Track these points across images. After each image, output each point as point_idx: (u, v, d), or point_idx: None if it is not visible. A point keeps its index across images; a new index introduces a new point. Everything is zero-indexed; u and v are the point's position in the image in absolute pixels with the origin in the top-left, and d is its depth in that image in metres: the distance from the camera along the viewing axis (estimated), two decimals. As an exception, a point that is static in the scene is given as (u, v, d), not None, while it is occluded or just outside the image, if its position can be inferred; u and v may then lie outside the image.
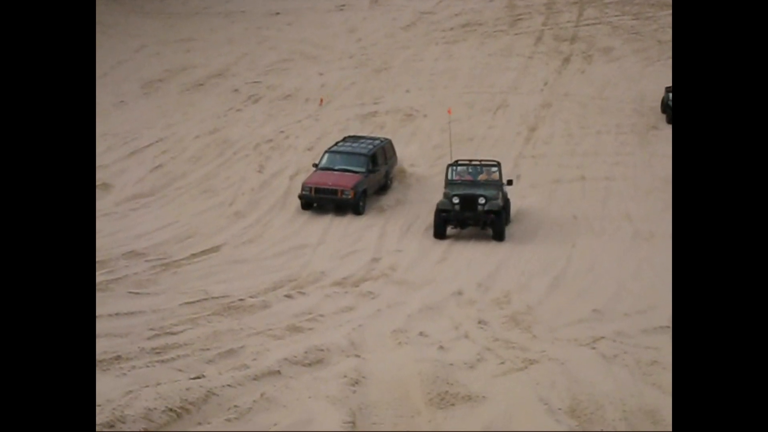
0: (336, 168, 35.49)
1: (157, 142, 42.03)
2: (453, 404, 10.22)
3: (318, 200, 34.80)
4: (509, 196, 33.64)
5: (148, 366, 13.46)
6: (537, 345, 15.72)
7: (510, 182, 33.51)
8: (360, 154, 35.95)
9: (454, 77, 47.29)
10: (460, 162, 34.55)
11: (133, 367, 13.37)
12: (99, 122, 45.08)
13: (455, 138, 39.98)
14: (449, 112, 38.02)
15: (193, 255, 30.74)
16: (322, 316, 20.31)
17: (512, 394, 10.71)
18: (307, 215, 34.75)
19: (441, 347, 14.98)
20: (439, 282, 26.27)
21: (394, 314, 21.13)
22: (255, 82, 48.61)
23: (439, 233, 32.24)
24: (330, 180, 34.88)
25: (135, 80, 50.31)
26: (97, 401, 10.33)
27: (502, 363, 13.34)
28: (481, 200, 31.97)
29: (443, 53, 50.31)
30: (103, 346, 15.40)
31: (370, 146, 36.62)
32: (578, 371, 12.27)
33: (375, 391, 11.09)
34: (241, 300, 22.24)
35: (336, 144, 37.35)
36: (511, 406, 10.02)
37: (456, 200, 32.04)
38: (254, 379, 12.12)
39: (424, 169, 38.29)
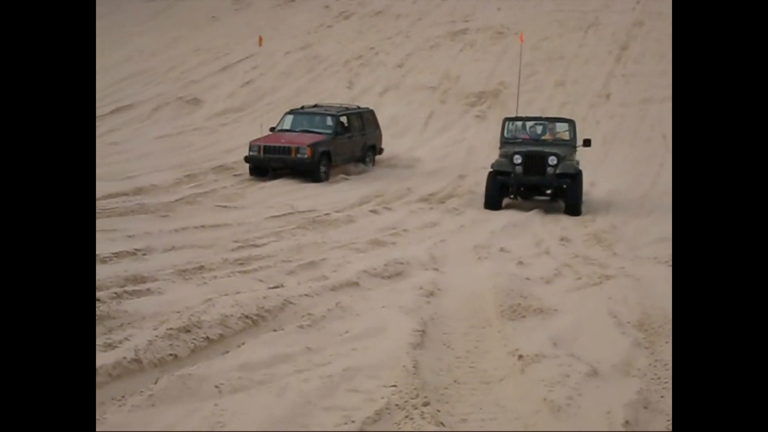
0: (297, 130, 29.89)
1: (248, 57, 42.30)
2: (524, 316, 10.28)
3: (268, 163, 28.90)
4: (581, 166, 25.50)
5: (229, 276, 13.67)
6: (616, 262, 15.69)
7: (587, 142, 25.61)
8: (327, 115, 30.42)
9: (548, -7, 46.75)
10: (520, 117, 27.68)
11: (215, 277, 13.58)
12: (192, 37, 45.50)
13: (546, 56, 39.64)
14: (521, 39, 32.63)
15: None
16: (405, 231, 20.41)
17: (584, 307, 10.74)
18: (400, 127, 34.76)
19: (520, 262, 15.01)
20: (525, 199, 26.22)
21: (478, 230, 21.19)
22: (346, -2, 48.61)
23: (493, 202, 24.67)
24: (283, 138, 29.31)
25: (227, -5, 50.55)
26: (177, 308, 10.57)
27: (579, 278, 13.36)
28: (552, 159, 24.31)
29: (536, -31, 49.74)
30: (187, 257, 15.68)
31: (344, 110, 31.22)
32: (652, 287, 12.24)
33: (448, 303, 11.18)
34: (326, 214, 22.41)
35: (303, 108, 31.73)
36: (581, 319, 10.05)
37: (518, 159, 24.37)
38: (332, 289, 12.27)
39: (515, 88, 38.07)
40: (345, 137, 30.10)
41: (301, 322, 10.00)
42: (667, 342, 8.79)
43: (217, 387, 7.51)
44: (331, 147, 29.25)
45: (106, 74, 41.97)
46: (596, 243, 19.09)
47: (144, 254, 16.03)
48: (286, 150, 28.69)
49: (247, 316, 10.19)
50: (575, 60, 39.83)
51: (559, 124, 26.55)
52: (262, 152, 28.95)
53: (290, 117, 30.67)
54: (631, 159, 31.42)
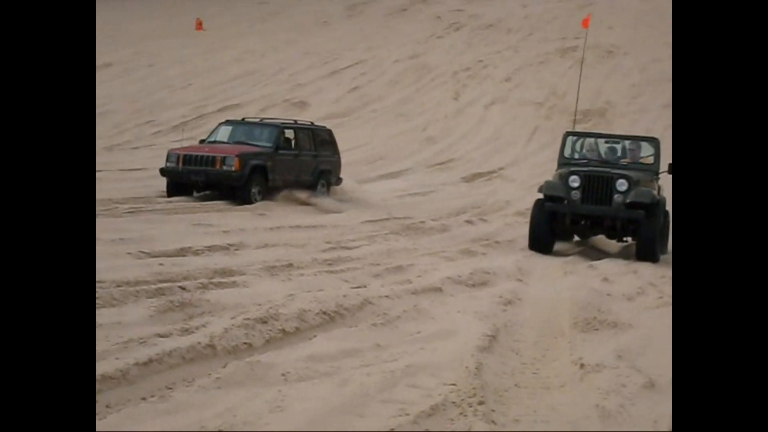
0: (231, 143, 24.75)
1: (356, 63, 42.77)
2: (597, 329, 10.37)
3: (187, 176, 23.37)
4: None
5: (315, 275, 13.94)
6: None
7: (670, 168, 17.09)
8: (269, 126, 25.32)
9: (662, 16, 46.41)
10: (589, 133, 23.37)
11: (301, 275, 13.86)
12: (302, 40, 46.07)
13: (654, 78, 39.41)
14: (585, 23, 28.54)
15: (382, 176, 31.34)
16: (497, 242, 20.55)
17: (658, 324, 10.79)
18: (503, 141, 34.87)
19: (605, 279, 15.05)
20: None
21: (569, 245, 21.28)
22: (458, 9, 48.79)
23: (540, 242, 19.49)
24: (209, 147, 24.17)
25: (340, 2, 51.06)
26: (259, 301, 10.86)
27: (660, 297, 13.39)
28: (621, 184, 18.87)
29: (652, -10, 49.42)
30: (278, 254, 16.01)
31: (291, 123, 26.19)
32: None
33: (525, 312, 11.32)
34: (421, 222, 22.64)
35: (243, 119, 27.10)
36: (652, 335, 10.11)
37: (575, 181, 19.10)
38: (413, 293, 12.46)
39: (621, 107, 37.90)
40: (289, 155, 24.81)
41: (375, 320, 10.22)
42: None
43: (283, 375, 7.75)
44: (268, 163, 23.97)
45: (216, 73, 42.76)
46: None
47: (236, 249, 16.40)
48: (210, 161, 23.23)
49: (325, 312, 10.44)
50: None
51: (642, 144, 20.94)
52: (180, 164, 23.43)
53: (226, 128, 25.60)
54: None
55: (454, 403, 6.94)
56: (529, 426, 6.73)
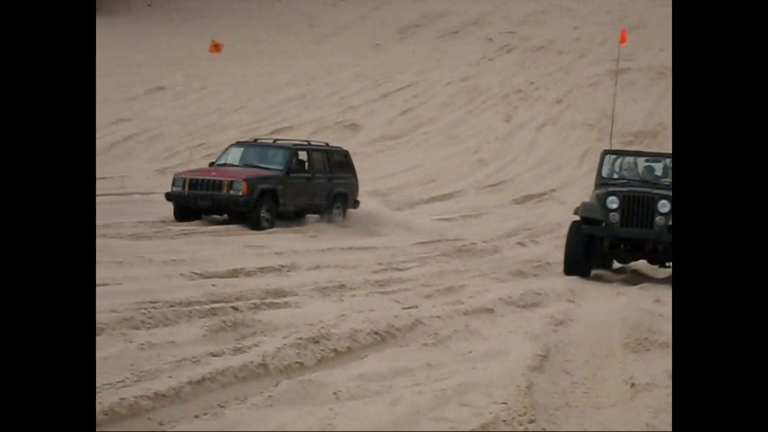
0: (241, 165, 23.70)
1: (408, 86, 42.90)
2: (648, 349, 10.34)
3: (194, 201, 22.47)
4: None
5: (367, 295, 14.01)
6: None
7: None
8: (281, 148, 24.23)
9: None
10: (627, 151, 22.17)
11: (353, 296, 13.94)
12: (354, 63, 46.29)
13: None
14: (623, 39, 27.51)
15: (434, 198, 31.39)
16: (549, 264, 20.51)
17: (711, 345, 10.76)
18: (554, 163, 34.77)
19: (657, 300, 14.97)
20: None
21: (624, 267, 21.20)
22: (509, 32, 48.85)
23: (576, 268, 18.35)
24: (216, 171, 23.24)
25: (392, 24, 51.28)
26: (311, 321, 10.94)
27: (713, 319, 13.33)
28: (663, 205, 17.83)
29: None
30: (330, 276, 16.11)
31: (305, 144, 25.35)
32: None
33: (576, 332, 11.32)
34: (473, 244, 22.66)
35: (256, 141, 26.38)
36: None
37: (613, 202, 18.00)
38: (464, 313, 12.48)
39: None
40: (302, 178, 23.74)
41: (426, 340, 10.27)
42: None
43: (334, 393, 7.82)
44: (279, 186, 22.89)
45: (269, 95, 43.05)
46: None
47: (288, 270, 16.52)
48: (216, 185, 22.34)
49: (376, 332, 10.50)
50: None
51: None
52: (186, 188, 22.53)
53: (237, 149, 24.57)
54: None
55: (504, 421, 6.97)
56: (580, 445, 6.75)
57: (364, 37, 49.81)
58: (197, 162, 36.03)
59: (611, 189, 18.43)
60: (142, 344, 9.22)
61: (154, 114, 39.57)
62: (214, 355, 8.94)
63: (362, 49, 48.04)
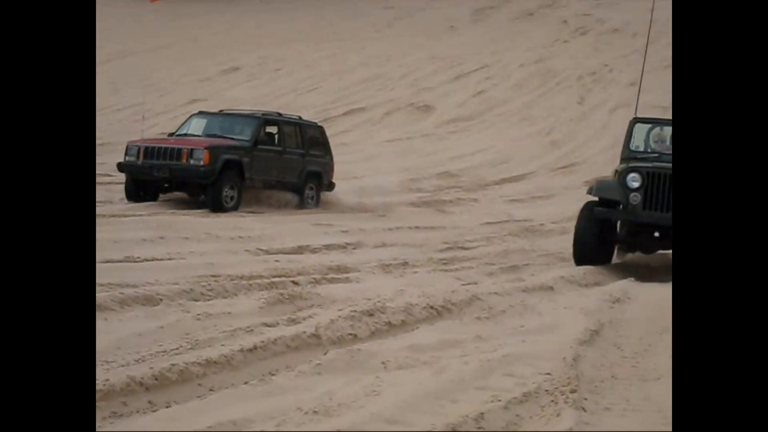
0: (203, 135, 21.45)
1: (482, 68, 42.81)
2: (705, 327, 10.33)
3: (149, 172, 20.29)
4: None
5: (429, 272, 14.11)
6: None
7: None
8: (248, 117, 22.13)
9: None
10: (660, 120, 17.91)
11: (415, 272, 14.06)
12: (428, 45, 46.31)
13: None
14: None
15: (505, 180, 31.37)
16: (617, 244, 20.41)
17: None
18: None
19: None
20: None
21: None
22: (585, 14, 48.48)
23: (588, 257, 15.45)
24: (174, 140, 21.10)
25: (467, 6, 51.19)
26: (368, 296, 11.05)
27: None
28: None
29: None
30: (394, 253, 16.27)
31: (275, 116, 23.03)
32: None
33: (633, 309, 11.27)
34: (541, 224, 22.64)
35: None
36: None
37: (635, 182, 14.97)
38: (523, 290, 12.50)
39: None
40: (271, 151, 21.69)
41: (480, 314, 10.34)
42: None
43: (383, 363, 7.93)
44: (245, 159, 20.77)
45: (343, 77, 43.23)
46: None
47: (354, 248, 16.69)
48: (175, 153, 20.15)
49: (432, 307, 10.59)
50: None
51: None
52: (141, 157, 20.36)
53: (199, 119, 22.43)
54: None
55: (547, 391, 7.03)
56: (619, 414, 6.79)
57: (438, 19, 49.77)
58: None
59: (633, 164, 15.42)
60: (199, 314, 9.41)
61: (228, 95, 39.89)
62: (268, 326, 9.11)
63: (436, 31, 48.01)
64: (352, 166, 29.65)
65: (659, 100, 38.52)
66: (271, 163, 21.47)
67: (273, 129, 22.18)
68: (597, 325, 9.76)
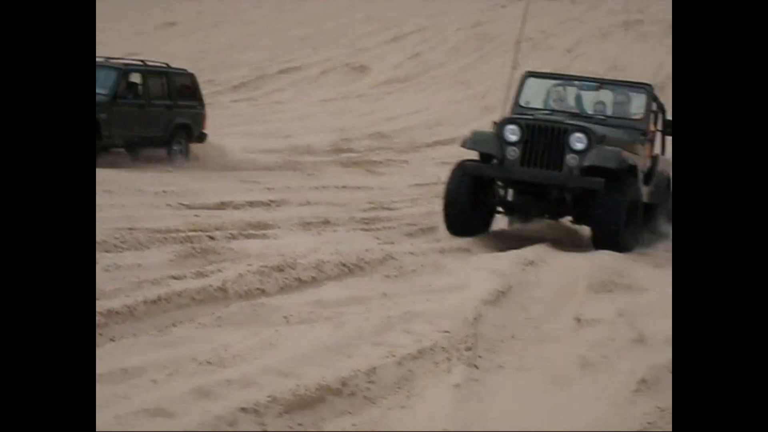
0: None
1: (419, 30, 42.74)
2: (611, 290, 10.39)
3: None
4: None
5: (348, 231, 14.13)
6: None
7: (668, 127, 15.19)
8: (107, 68, 19.74)
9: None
10: (552, 74, 17.87)
11: (335, 231, 14.06)
12: (366, 6, 46.16)
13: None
14: None
15: (437, 142, 31.43)
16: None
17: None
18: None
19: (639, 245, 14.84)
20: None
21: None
22: (524, -21, 48.62)
23: (459, 222, 13.89)
24: None
25: (405, -33, 51.11)
26: (284, 252, 11.08)
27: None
28: (577, 140, 13.32)
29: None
30: (317, 212, 16.23)
31: (138, 65, 21.25)
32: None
33: (544, 273, 11.30)
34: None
35: None
36: (664, 297, 10.15)
37: (513, 135, 13.47)
38: (439, 251, 12.56)
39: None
40: (133, 105, 20.04)
41: (391, 272, 10.39)
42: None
43: (285, 317, 7.98)
44: (102, 115, 18.86)
45: (280, 35, 43.06)
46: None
47: (277, 205, 16.66)
48: None
49: (344, 264, 10.62)
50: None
51: (630, 93, 15.04)
52: None
53: None
54: None
55: (443, 348, 7.12)
56: (511, 372, 6.90)
57: (377, -20, 49.66)
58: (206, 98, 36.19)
59: (511, 116, 14.21)
60: (108, 266, 9.40)
61: (163, 50, 39.50)
62: (175, 278, 9.11)
63: (376, -7, 47.91)
64: (286, 124, 29.61)
65: (595, 68, 38.78)
66: (133, 118, 19.85)
67: (136, 78, 20.48)
68: (505, 287, 9.83)
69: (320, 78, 38.40)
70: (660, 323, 8.51)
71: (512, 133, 13.49)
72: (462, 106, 35.85)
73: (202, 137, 21.50)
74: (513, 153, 13.44)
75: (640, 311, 9.17)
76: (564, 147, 13.34)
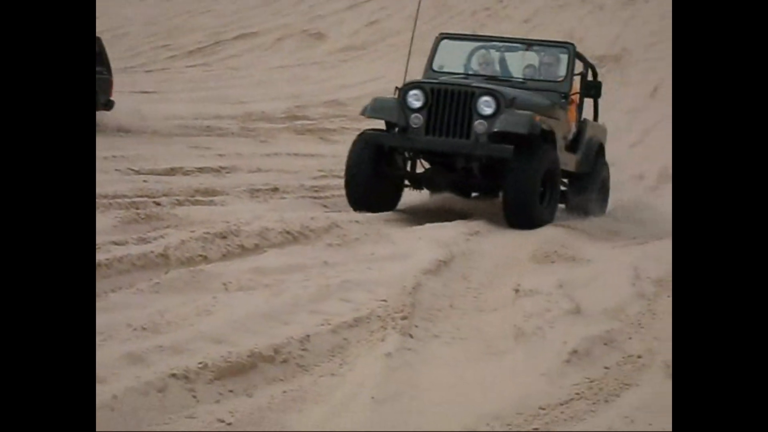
0: None
1: (377, -3, 42.70)
2: (553, 262, 10.47)
3: None
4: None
5: (296, 199, 14.13)
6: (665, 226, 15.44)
7: (593, 88, 14.52)
8: None
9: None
10: (466, 36, 17.52)
11: (283, 198, 14.08)
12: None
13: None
14: None
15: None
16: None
17: (614, 260, 10.92)
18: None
19: (589, 217, 14.85)
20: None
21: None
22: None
23: (360, 195, 13.06)
24: None
25: (365, -65, 50.89)
26: (229, 219, 11.05)
27: (634, 238, 13.40)
28: (485, 104, 12.44)
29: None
30: (267, 179, 16.22)
31: None
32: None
33: (488, 244, 11.37)
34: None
35: None
36: (604, 269, 10.25)
37: (417, 100, 12.72)
38: (386, 221, 12.56)
39: (638, 54, 37.70)
40: None
41: (334, 241, 10.42)
42: (668, 296, 8.95)
43: (224, 284, 8.00)
44: None
45: (236, 1, 42.78)
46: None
47: (227, 172, 16.62)
48: None
49: (288, 232, 10.62)
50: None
51: (560, 57, 14.03)
52: None
53: None
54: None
55: (379, 317, 7.16)
56: (446, 341, 6.95)
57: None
58: (161, 63, 35.99)
59: (414, 81, 13.38)
60: (50, 231, 9.33)
61: (116, 13, 39.21)
62: (116, 244, 9.07)
63: (332, -42, 47.69)
64: (241, 91, 29.51)
65: (550, 38, 38.80)
66: None
67: None
68: (448, 256, 9.88)
69: (277, 44, 38.21)
70: (598, 295, 8.62)
71: (416, 99, 12.69)
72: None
73: (109, 104, 20.18)
74: (417, 120, 12.62)
75: (580, 283, 9.25)
76: (471, 112, 12.43)
